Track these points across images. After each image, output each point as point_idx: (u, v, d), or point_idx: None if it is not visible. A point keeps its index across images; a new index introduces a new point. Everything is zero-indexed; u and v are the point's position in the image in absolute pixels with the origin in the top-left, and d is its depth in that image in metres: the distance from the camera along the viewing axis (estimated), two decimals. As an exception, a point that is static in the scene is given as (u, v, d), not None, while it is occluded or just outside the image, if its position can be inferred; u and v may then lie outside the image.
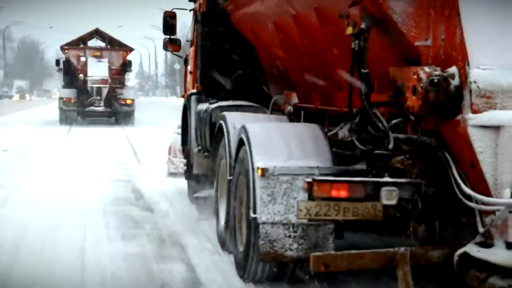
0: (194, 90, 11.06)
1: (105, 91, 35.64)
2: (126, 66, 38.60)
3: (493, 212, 5.22)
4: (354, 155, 6.86)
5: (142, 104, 48.18)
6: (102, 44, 39.43)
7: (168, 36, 12.38)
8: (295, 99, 8.96)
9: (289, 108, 9.03)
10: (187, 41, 12.45)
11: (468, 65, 5.16)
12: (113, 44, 38.54)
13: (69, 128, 32.13)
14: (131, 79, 52.78)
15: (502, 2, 5.28)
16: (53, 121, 36.60)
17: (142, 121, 36.07)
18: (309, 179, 5.87)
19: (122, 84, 37.89)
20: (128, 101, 36.59)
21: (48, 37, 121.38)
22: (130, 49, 39.04)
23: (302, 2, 7.24)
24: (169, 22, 12.18)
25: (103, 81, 35.59)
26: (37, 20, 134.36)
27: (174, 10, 12.30)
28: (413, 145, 5.77)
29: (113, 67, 36.60)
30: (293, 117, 8.79)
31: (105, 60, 36.40)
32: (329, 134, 7.31)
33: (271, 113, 9.40)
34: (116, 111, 36.28)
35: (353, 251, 5.87)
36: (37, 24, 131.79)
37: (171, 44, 12.48)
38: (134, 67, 44.16)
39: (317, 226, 6.56)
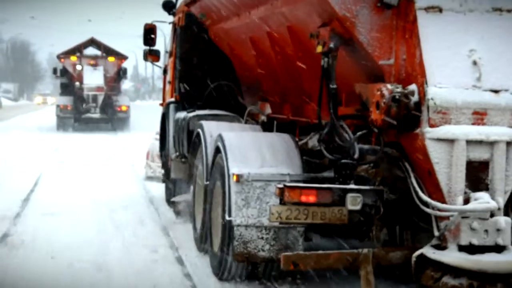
0: (173, 99, 11.38)
1: (100, 98, 35.74)
2: (121, 73, 38.80)
3: (447, 218, 5.67)
4: (322, 164, 7.25)
5: (138, 109, 47.53)
6: (98, 53, 39.58)
7: (148, 47, 12.72)
8: (268, 110, 9.30)
9: (263, 118, 9.39)
10: (166, 52, 12.74)
11: (427, 83, 5.59)
12: (108, 53, 38.69)
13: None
14: (125, 82, 52.22)
15: (457, 28, 5.73)
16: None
17: (137, 127, 36.05)
18: (281, 185, 6.28)
19: (117, 91, 38.09)
20: (124, 108, 36.69)
21: (40, 37, 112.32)
22: (125, 57, 39.20)
23: (276, 20, 7.58)
24: (149, 34, 12.50)
25: (99, 88, 35.65)
26: (27, 17, 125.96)
27: (154, 23, 12.67)
28: (377, 155, 6.18)
29: (108, 75, 36.75)
30: (266, 127, 9.15)
31: (101, 68, 36.48)
32: (300, 143, 7.71)
33: (246, 122, 9.75)
34: (112, 118, 36.50)
35: (320, 252, 6.29)
36: (29, 22, 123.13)
37: (151, 55, 12.82)
38: (129, 69, 43.97)
39: (288, 229, 6.95)
